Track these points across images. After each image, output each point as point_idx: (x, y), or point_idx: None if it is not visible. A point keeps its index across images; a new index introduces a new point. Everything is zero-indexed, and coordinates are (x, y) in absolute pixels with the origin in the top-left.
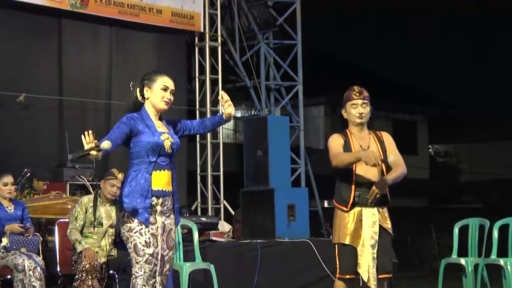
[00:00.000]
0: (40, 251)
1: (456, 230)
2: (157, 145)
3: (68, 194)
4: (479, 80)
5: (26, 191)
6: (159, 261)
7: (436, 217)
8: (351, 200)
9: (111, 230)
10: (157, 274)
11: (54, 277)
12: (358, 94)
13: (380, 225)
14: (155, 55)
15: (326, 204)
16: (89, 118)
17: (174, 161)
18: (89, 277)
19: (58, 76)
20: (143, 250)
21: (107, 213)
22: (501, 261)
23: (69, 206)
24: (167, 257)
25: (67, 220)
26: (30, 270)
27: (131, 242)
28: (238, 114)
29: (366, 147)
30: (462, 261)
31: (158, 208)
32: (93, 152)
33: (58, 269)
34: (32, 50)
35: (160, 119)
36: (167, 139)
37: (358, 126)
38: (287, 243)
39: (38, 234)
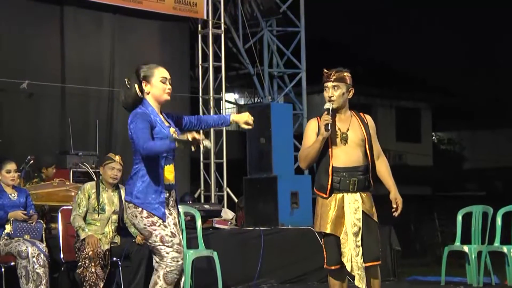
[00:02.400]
0: (44, 238)
1: (459, 218)
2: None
3: (71, 181)
4: (483, 68)
5: (35, 180)
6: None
7: (439, 204)
8: (329, 186)
9: (114, 217)
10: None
11: (57, 264)
12: (326, 77)
13: (363, 211)
14: (158, 42)
15: None
16: (92, 106)
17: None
18: (92, 264)
19: (61, 64)
20: (171, 240)
21: (109, 199)
22: (505, 249)
23: (73, 193)
24: None
25: (71, 207)
26: (33, 257)
27: (157, 236)
28: (242, 102)
29: (346, 130)
30: (466, 248)
31: (169, 201)
32: (194, 146)
33: (62, 256)
34: (35, 37)
35: (161, 113)
36: (174, 133)
37: (338, 108)
38: (290, 231)
39: (41, 221)
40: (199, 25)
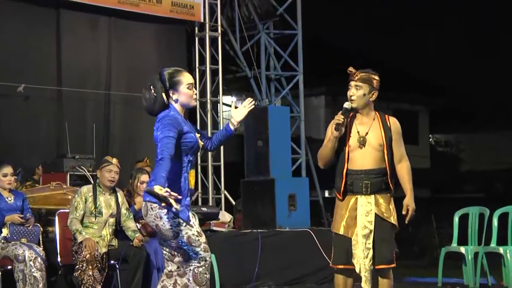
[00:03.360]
0: (41, 241)
1: (456, 219)
2: (195, 144)
3: (68, 185)
4: (481, 70)
5: (28, 183)
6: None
7: (437, 206)
8: (342, 188)
9: (112, 220)
10: None
11: (54, 267)
12: (350, 76)
13: (377, 214)
14: (155, 45)
15: (326, 194)
16: (89, 109)
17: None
18: (90, 267)
19: (57, 67)
20: (198, 240)
21: (106, 202)
22: (501, 249)
23: (70, 197)
24: None
25: (68, 210)
26: (30, 260)
27: (183, 236)
28: (239, 105)
29: (365, 134)
30: (462, 249)
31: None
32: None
33: (59, 259)
34: (31, 40)
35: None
36: (199, 137)
37: (357, 109)
38: (287, 233)
39: (38, 224)
40: (196, 28)
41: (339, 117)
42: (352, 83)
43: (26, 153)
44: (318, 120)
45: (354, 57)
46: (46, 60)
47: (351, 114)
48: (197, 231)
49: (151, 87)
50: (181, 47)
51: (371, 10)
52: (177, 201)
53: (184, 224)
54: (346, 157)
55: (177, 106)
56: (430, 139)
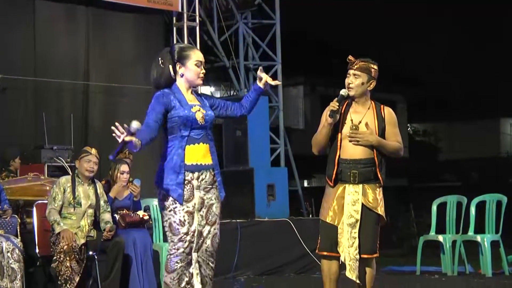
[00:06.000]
0: (18, 233)
1: (434, 208)
2: (188, 119)
3: (46, 176)
4: (458, 60)
5: (4, 173)
6: (195, 237)
7: (415, 195)
8: (334, 175)
9: (90, 211)
10: (193, 250)
11: (32, 259)
12: (349, 64)
13: (364, 204)
14: (132, 35)
15: (305, 184)
16: (67, 99)
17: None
18: (67, 258)
19: (34, 57)
20: (178, 229)
21: (85, 193)
22: (478, 238)
23: (48, 188)
24: (206, 232)
25: (46, 201)
26: (8, 252)
27: (167, 221)
28: (217, 95)
29: (358, 122)
30: (440, 238)
31: (194, 182)
32: (127, 138)
33: (37, 250)
34: (6, 31)
35: (192, 92)
36: (198, 110)
37: (354, 97)
38: (267, 223)
39: (16, 216)
40: (174, 18)
41: (334, 104)
42: (351, 71)
43: (3, 144)
44: (296, 110)
45: (332, 48)
46: (23, 51)
47: (346, 102)
48: (179, 219)
49: (160, 59)
50: (159, 37)
51: (349, 2)
52: (170, 178)
53: (170, 208)
54: (338, 144)
55: (181, 81)
56: (408, 129)
